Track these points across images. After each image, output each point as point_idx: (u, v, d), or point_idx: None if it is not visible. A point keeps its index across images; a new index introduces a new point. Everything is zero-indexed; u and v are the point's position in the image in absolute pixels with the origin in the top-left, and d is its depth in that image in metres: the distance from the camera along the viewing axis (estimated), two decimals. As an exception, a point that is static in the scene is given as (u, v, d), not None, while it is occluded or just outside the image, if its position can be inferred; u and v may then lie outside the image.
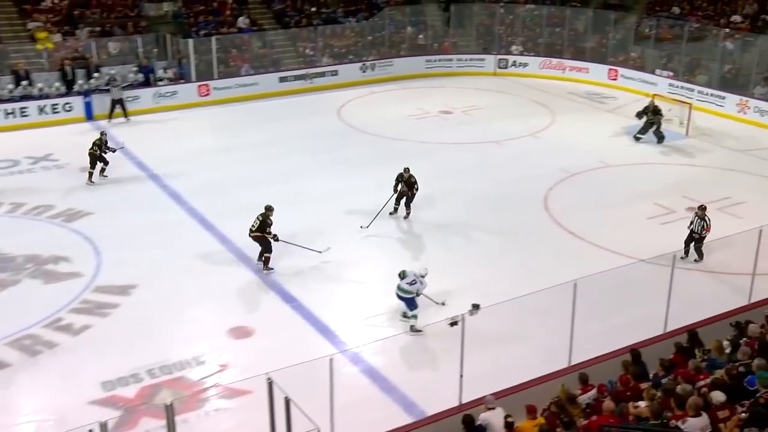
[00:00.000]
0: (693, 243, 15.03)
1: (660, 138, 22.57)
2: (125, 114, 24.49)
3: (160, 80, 26.22)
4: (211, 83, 26.78)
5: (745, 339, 10.56)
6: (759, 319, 11.25)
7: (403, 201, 17.04)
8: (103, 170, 19.36)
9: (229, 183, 19.12)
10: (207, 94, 26.60)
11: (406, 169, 16.93)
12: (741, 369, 9.44)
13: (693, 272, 13.96)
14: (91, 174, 19.13)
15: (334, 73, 29.06)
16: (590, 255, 15.29)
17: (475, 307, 9.86)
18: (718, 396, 8.71)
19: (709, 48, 27.96)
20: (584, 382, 9.94)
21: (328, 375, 8.80)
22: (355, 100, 27.46)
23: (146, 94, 25.49)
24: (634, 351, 10.41)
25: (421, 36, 31.77)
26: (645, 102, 24.38)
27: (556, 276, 12.82)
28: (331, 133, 23.41)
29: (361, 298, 13.88)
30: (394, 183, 16.97)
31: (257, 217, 14.74)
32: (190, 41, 26.88)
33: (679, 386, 9.05)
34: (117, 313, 13.37)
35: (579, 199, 18.28)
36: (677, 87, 26.76)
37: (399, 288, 12.76)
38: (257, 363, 11.09)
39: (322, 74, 28.84)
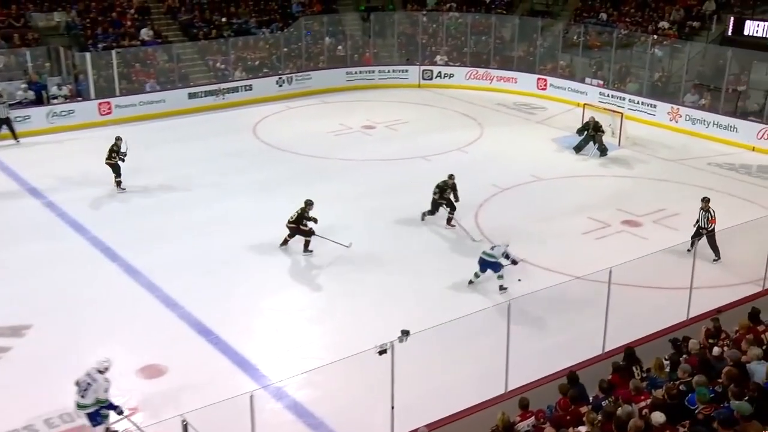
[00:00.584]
0: (700, 238, 15.69)
1: (603, 151, 23.25)
2: (14, 135, 23.72)
3: (54, 98, 25.54)
4: (113, 101, 26.28)
5: (684, 356, 10.88)
6: (699, 334, 11.62)
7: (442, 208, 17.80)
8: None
9: (134, 209, 18.78)
10: (108, 113, 26.07)
11: (451, 176, 17.91)
12: (682, 387, 9.70)
13: (630, 288, 14.30)
14: (119, 182, 19.70)
15: (248, 87, 28.95)
16: (524, 273, 15.55)
17: (405, 333, 9.86)
18: (657, 417, 8.91)
19: (638, 55, 29.02)
20: (524, 408, 10.04)
21: (249, 413, 8.66)
22: (271, 116, 27.37)
23: (38, 113, 24.83)
24: (571, 374, 10.58)
25: (340, 47, 31.96)
26: (576, 112, 25.11)
27: (490, 297, 13.03)
28: (245, 152, 23.27)
29: (283, 328, 13.76)
30: (436, 192, 17.60)
31: (297, 210, 16.27)
32: (88, 55, 26.32)
33: (619, 408, 9.24)
34: (8, 358, 12.86)
35: (511, 215, 18.60)
36: (608, 96, 27.67)
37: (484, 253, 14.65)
38: (171, 404, 10.85)
39: (235, 89, 28.69)
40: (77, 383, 10.63)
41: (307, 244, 16.52)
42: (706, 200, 16.24)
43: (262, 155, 23.18)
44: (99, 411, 10.51)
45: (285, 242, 16.68)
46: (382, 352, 9.53)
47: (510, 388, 11.02)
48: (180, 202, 19.23)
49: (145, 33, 28.86)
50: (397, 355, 9.63)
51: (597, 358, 11.74)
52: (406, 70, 31.78)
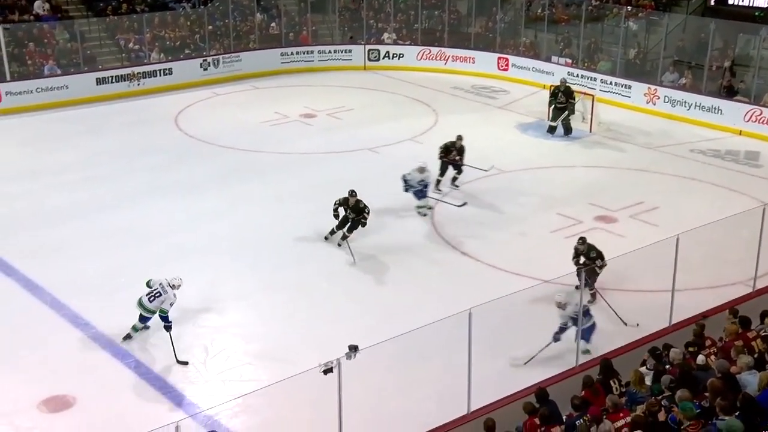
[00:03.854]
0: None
1: (567, 129, 23.63)
2: None
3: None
4: (2, 86, 25.87)
5: (667, 367, 11.07)
6: (681, 342, 11.82)
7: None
8: None
9: (33, 216, 18.43)
10: (-3, 101, 25.64)
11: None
12: (664, 402, 9.87)
13: (605, 292, 14.54)
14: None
15: (168, 71, 28.70)
16: (486, 278, 15.67)
17: (353, 349, 9.87)
18: (638, 437, 9.07)
19: (610, 30, 29.50)
20: (489, 430, 10.13)
21: (173, 447, 8.60)
22: (195, 104, 27.16)
23: None
24: (539, 390, 10.71)
25: (273, 25, 31.87)
26: (542, 95, 25.40)
27: (449, 305, 13.05)
28: (166, 147, 23.06)
29: (214, 348, 13.65)
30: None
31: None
32: (-33, 31, 25.79)
33: (594, 427, 9.38)
34: None
35: (471, 213, 18.71)
36: (577, 76, 27.98)
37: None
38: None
39: (153, 74, 28.42)
40: (149, 285, 13.18)
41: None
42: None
43: (186, 150, 22.97)
44: (149, 318, 13.25)
45: (343, 236, 16.88)
46: (327, 371, 9.52)
47: (473, 408, 11.10)
48: (88, 206, 18.87)
49: (39, 6, 28.28)
50: (345, 373, 9.63)
51: (569, 372, 11.90)
52: (350, 51, 31.77)
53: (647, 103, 26.66)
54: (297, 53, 31.32)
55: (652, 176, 21.26)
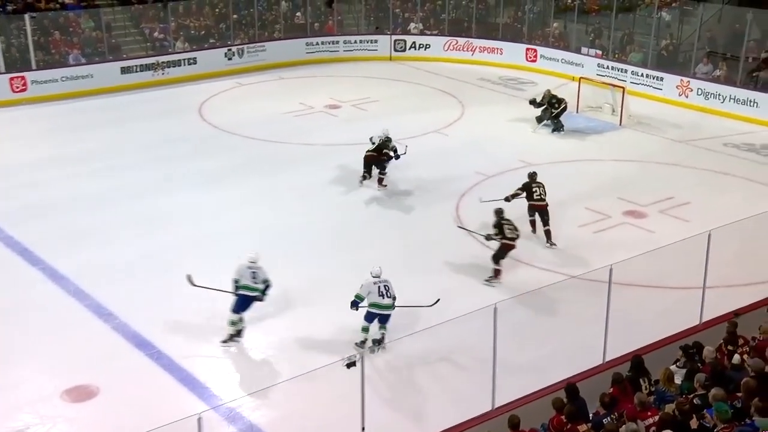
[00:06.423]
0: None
1: (557, 127, 23.61)
2: None
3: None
4: (28, 75, 26.08)
5: (698, 365, 11.00)
6: (712, 341, 11.75)
7: None
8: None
9: (58, 204, 18.59)
10: (23, 89, 25.89)
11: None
12: (696, 401, 9.80)
13: (635, 288, 14.46)
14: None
15: (192, 61, 28.84)
16: (513, 272, 15.63)
17: (377, 343, 9.92)
18: (667, 438, 9.01)
19: (642, 20, 29.26)
20: (514, 427, 10.09)
21: (195, 439, 8.64)
22: (219, 94, 27.27)
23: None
24: (570, 386, 10.65)
25: (299, 14, 31.93)
26: (571, 87, 25.32)
27: (473, 299, 13.05)
28: (190, 137, 23.18)
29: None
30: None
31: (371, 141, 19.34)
32: (-7, 19, 26.02)
33: (623, 426, 9.33)
34: None
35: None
36: (607, 68, 27.87)
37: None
38: (102, 430, 10.68)
39: (177, 63, 28.58)
40: (247, 270, 13.53)
41: (381, 180, 19.38)
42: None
43: (209, 140, 23.07)
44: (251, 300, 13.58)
45: (364, 177, 19.39)
46: (350, 364, 9.56)
47: (497, 405, 11.07)
48: (112, 195, 19.03)
49: (65, -6, 28.55)
50: (368, 367, 9.65)
51: (597, 369, 11.84)
52: (376, 41, 31.78)
53: (679, 95, 26.45)
54: (322, 43, 31.38)
55: (683, 171, 21.09)
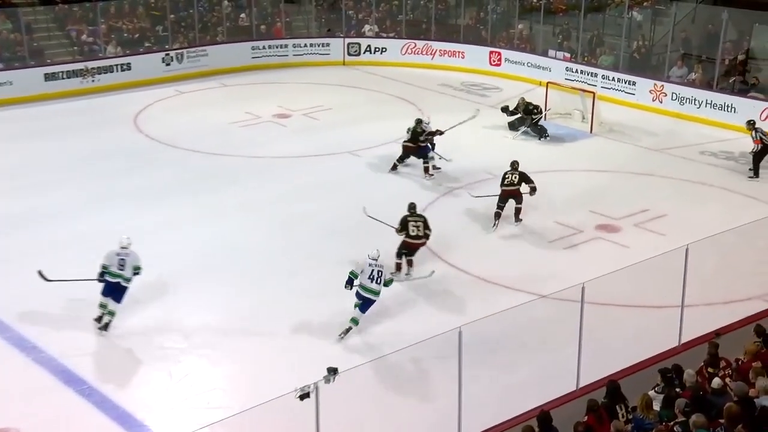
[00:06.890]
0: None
1: (541, 133, 23.92)
2: None
3: None
4: (-65, 82, 25.76)
5: (677, 390, 11.09)
6: (692, 363, 11.83)
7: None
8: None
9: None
10: (-72, 98, 25.54)
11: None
12: (677, 429, 9.87)
13: (609, 307, 14.56)
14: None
15: (126, 67, 28.68)
16: (478, 292, 15.66)
17: (332, 371, 9.85)
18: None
19: (612, 20, 29.59)
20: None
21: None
22: (157, 103, 27.14)
23: None
24: (542, 414, 10.68)
25: (243, 15, 31.86)
26: (538, 93, 25.55)
27: (436, 322, 13.07)
28: (125, 150, 22.99)
29: (178, 372, 13.55)
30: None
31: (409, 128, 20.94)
32: None
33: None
34: None
35: (462, 221, 18.75)
36: (576, 72, 28.18)
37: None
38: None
39: (109, 69, 28.39)
40: (115, 257, 14.16)
41: (426, 169, 20.75)
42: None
43: (146, 154, 22.90)
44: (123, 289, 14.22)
45: (395, 167, 21.00)
46: (303, 396, 9.48)
47: (464, 437, 11.08)
48: (34, 216, 18.71)
49: (-23, -8, 28.28)
50: (324, 399, 9.59)
51: (570, 396, 11.88)
52: (328, 44, 31.86)
53: (653, 100, 26.80)
54: (269, 47, 31.36)
55: (658, 181, 21.32)
